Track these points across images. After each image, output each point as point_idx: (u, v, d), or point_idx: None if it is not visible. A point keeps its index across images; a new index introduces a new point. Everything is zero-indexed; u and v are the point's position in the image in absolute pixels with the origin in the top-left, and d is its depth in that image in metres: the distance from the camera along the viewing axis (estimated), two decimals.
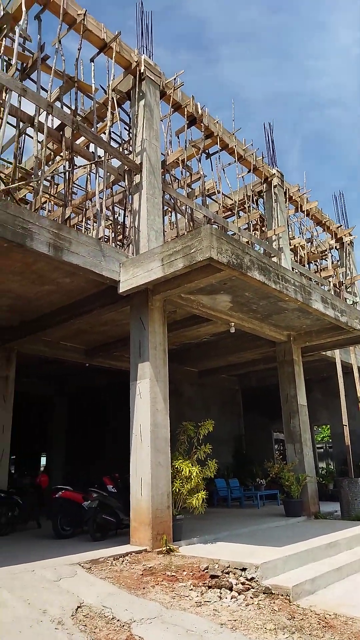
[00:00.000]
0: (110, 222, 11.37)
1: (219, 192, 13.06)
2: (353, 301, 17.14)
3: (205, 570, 5.74)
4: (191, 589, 5.31)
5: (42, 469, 19.50)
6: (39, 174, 7.91)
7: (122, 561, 6.11)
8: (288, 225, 14.89)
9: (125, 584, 5.32)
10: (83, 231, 11.82)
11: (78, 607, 4.61)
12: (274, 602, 5.25)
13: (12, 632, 4.01)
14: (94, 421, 16.50)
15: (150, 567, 5.87)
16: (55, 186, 12.65)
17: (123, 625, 4.34)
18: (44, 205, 12.33)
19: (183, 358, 14.04)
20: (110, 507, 7.94)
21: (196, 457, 7.99)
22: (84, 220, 11.31)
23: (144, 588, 5.23)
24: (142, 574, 5.64)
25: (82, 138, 10.19)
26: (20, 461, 19.64)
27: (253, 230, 15.63)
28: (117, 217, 11.38)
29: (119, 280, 7.92)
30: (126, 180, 9.42)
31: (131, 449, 7.43)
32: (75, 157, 8.97)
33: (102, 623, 4.35)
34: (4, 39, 8.24)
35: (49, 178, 12.15)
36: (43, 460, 20.27)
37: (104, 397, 16.08)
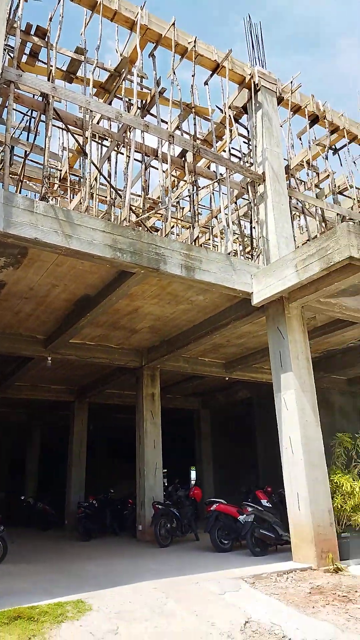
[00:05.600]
0: (238, 235, 11.44)
1: (351, 186, 12.34)
2: None
3: None
4: None
5: (192, 482, 19.99)
6: (167, 201, 8.32)
7: (287, 578, 5.89)
8: None
9: (292, 601, 5.10)
10: (212, 248, 12.09)
11: (246, 622, 4.53)
12: None
13: None
14: (241, 434, 16.48)
15: (317, 586, 5.56)
16: (181, 210, 13.20)
17: None
18: (172, 230, 12.93)
19: (329, 366, 13.32)
20: (267, 522, 7.77)
21: (357, 471, 7.44)
22: (211, 238, 11.58)
23: (313, 607, 4.96)
24: (310, 593, 5.36)
25: (203, 159, 10.50)
26: (172, 475, 20.43)
27: None
28: (244, 230, 11.41)
29: (252, 292, 7.87)
30: (250, 192, 9.43)
31: (282, 463, 7.19)
32: (198, 179, 9.27)
33: None
34: (123, 81, 8.95)
35: (174, 203, 12.74)
36: (193, 474, 20.81)
37: (249, 410, 16.00)
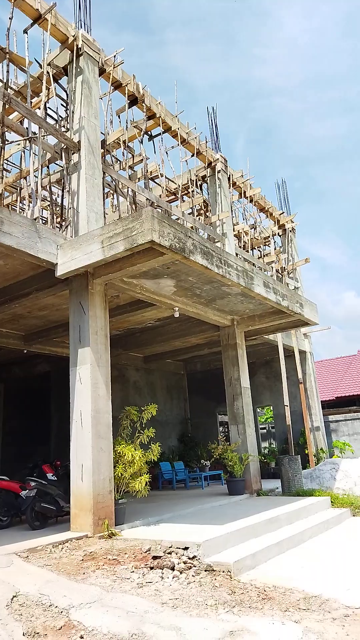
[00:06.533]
0: (48, 202, 10.91)
1: (162, 175, 12.89)
2: (295, 286, 17.61)
3: (147, 552, 5.72)
4: (132, 571, 5.27)
5: None
6: None
7: (62, 548, 5.97)
8: (232, 211, 14.96)
9: (65, 570, 5.19)
10: (18, 211, 11.30)
11: (14, 596, 4.44)
12: (215, 579, 5.32)
13: None
14: (37, 409, 16.06)
15: (91, 552, 5.78)
16: None
17: (61, 612, 4.23)
18: None
19: (128, 343, 13.90)
20: (49, 495, 7.75)
21: (139, 441, 7.94)
22: (19, 200, 10.80)
23: (84, 573, 5.13)
24: (83, 560, 5.54)
25: (16, 113, 9.68)
26: None
27: (197, 215, 15.60)
28: (56, 198, 10.94)
29: (57, 263, 7.64)
30: (64, 159, 9.06)
31: (71, 435, 7.25)
32: (7, 132, 8.50)
33: (39, 611, 4.22)
34: None
35: None
36: None
37: (47, 385, 15.66)
